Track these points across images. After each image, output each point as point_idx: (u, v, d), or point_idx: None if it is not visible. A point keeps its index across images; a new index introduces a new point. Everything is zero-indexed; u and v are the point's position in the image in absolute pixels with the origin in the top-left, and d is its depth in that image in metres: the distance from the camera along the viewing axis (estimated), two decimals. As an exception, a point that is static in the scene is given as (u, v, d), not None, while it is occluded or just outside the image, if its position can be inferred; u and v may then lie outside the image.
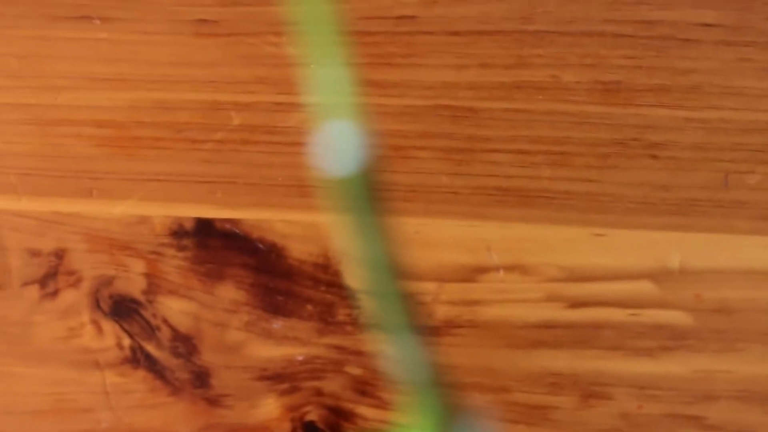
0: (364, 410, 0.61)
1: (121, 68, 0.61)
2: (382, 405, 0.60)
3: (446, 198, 0.60)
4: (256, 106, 0.60)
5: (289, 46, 0.59)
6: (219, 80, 0.60)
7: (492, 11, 0.58)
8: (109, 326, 0.63)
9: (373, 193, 0.22)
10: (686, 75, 0.57)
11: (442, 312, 0.60)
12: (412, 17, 0.58)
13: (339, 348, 0.62)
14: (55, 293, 0.63)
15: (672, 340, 0.59)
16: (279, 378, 0.62)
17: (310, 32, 0.22)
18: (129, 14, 0.60)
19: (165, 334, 0.63)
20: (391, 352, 0.23)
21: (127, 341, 0.63)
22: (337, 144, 0.21)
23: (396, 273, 0.23)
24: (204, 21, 0.60)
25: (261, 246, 0.61)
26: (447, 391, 0.23)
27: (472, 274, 0.60)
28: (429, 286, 0.60)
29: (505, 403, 0.61)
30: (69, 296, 0.63)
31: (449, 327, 0.60)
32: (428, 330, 0.58)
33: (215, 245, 0.62)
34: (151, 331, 0.63)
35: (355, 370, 0.61)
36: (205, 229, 0.62)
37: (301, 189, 0.61)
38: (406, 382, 0.23)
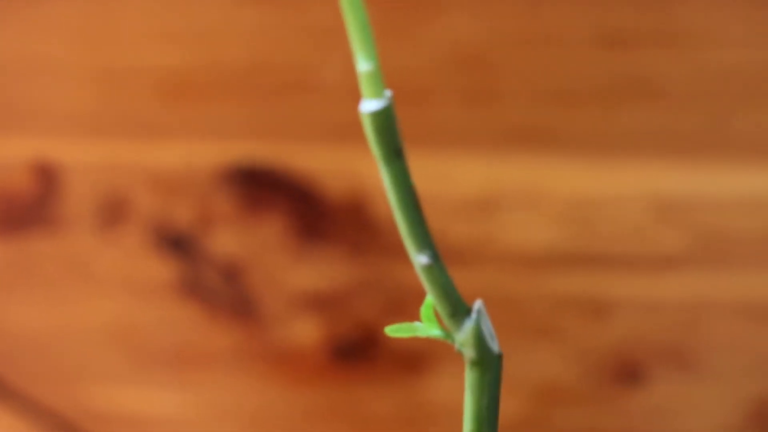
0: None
1: (175, 27, 0.61)
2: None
3: (464, 137, 0.61)
4: (298, 62, 0.61)
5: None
6: (265, 38, 0.61)
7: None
8: (165, 258, 0.64)
9: (397, 133, 0.28)
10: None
11: (460, 238, 0.61)
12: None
13: (374, 273, 0.62)
14: (114, 229, 0.64)
15: (669, 263, 0.60)
16: (318, 302, 0.63)
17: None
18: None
19: (214, 263, 0.63)
20: (418, 268, 0.29)
21: (181, 271, 0.64)
22: (365, 87, 0.27)
23: (418, 204, 0.29)
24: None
25: (302, 182, 0.62)
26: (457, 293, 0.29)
27: (489, 204, 0.61)
28: (446, 216, 0.61)
29: (515, 320, 0.62)
30: (127, 230, 0.64)
31: (467, 253, 0.61)
32: (448, 252, 0.61)
33: (259, 183, 0.62)
34: (202, 261, 0.63)
35: (390, 293, 0.62)
36: (251, 168, 0.62)
37: (336, 133, 0.61)
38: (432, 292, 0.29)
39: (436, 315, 0.29)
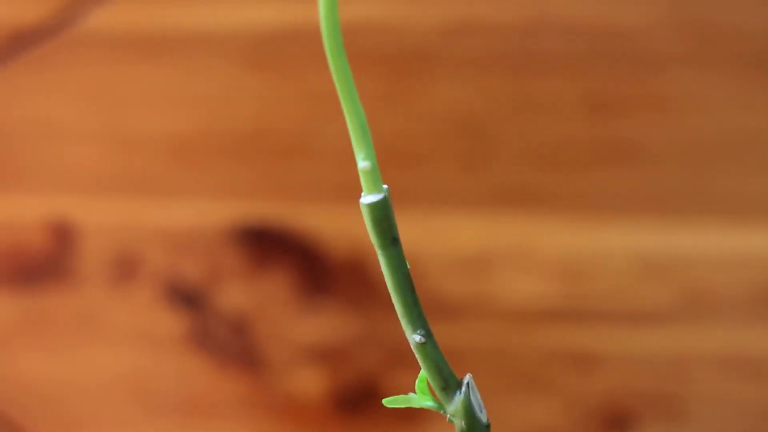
0: (399, 381, 0.62)
1: (184, 93, 0.62)
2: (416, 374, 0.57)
3: (459, 197, 0.61)
4: (301, 126, 0.61)
5: (329, 76, 0.59)
6: (269, 104, 0.62)
7: (493, 45, 0.60)
8: (175, 312, 0.64)
9: (392, 223, 0.31)
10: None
11: (455, 294, 0.62)
12: (426, 51, 0.60)
13: (374, 327, 0.62)
14: (126, 284, 0.64)
15: (654, 317, 0.61)
16: (321, 354, 0.63)
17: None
18: (185, 52, 0.62)
19: (223, 317, 0.63)
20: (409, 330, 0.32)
21: (190, 325, 0.64)
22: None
23: (412, 287, 0.31)
24: (253, 56, 0.61)
25: (306, 240, 0.62)
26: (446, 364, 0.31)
27: (482, 261, 0.61)
28: (443, 273, 0.61)
29: (508, 372, 0.62)
30: (138, 286, 0.64)
31: (462, 307, 0.61)
32: (444, 307, 0.61)
33: (265, 241, 0.63)
34: (211, 315, 0.63)
35: (389, 346, 0.62)
36: (258, 226, 0.62)
37: (337, 194, 0.62)
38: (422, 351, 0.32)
39: (429, 387, 0.32)
